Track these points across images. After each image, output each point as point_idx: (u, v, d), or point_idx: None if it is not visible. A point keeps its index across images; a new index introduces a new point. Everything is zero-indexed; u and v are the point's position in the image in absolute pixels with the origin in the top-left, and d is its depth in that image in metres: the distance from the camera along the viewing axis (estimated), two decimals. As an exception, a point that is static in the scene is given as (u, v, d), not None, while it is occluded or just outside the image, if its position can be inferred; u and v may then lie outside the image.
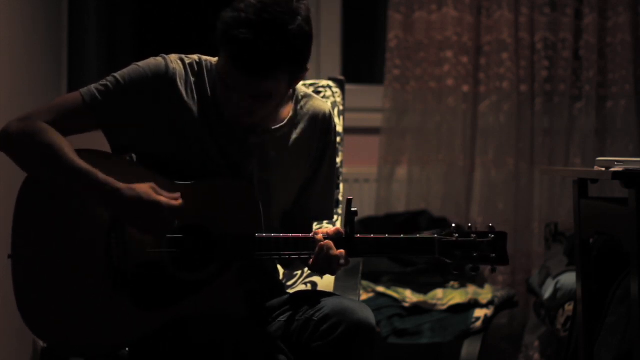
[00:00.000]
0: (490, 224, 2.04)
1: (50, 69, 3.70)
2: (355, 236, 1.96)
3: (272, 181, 2.05)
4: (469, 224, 2.04)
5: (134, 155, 2.08)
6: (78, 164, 1.87)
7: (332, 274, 1.97)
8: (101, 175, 1.87)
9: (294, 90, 2.09)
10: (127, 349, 1.95)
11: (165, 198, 1.88)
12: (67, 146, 1.89)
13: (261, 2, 1.84)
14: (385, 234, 1.98)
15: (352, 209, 1.94)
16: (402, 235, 1.98)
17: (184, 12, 4.20)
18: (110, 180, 1.87)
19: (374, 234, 2.00)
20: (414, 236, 1.99)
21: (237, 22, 1.83)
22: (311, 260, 1.94)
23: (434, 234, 1.99)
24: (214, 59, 2.03)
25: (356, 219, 1.97)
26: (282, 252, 1.95)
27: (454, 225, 2.02)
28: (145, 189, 1.87)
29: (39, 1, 3.54)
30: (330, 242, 1.93)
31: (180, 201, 1.89)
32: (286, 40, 1.84)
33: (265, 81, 1.87)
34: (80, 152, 1.91)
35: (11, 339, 3.07)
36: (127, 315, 1.91)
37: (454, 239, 1.98)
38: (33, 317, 1.92)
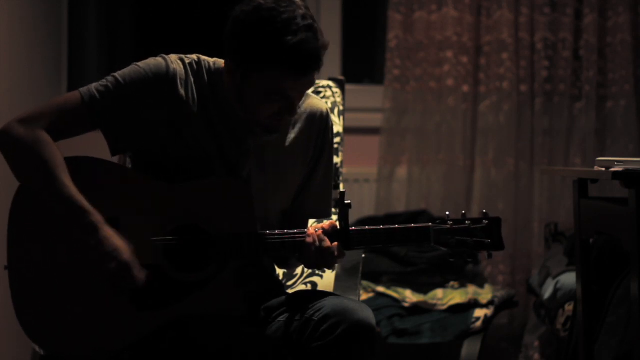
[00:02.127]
0: (484, 210, 2.03)
1: (50, 69, 3.70)
2: (350, 229, 1.96)
3: (270, 181, 2.05)
4: (463, 212, 2.04)
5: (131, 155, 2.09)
6: (67, 188, 1.87)
7: (328, 268, 1.97)
8: (88, 208, 1.86)
9: None
10: (127, 353, 1.94)
11: (139, 270, 1.86)
12: (61, 165, 1.89)
13: (278, 4, 1.86)
14: (380, 225, 1.98)
15: (346, 202, 1.94)
16: (396, 226, 1.98)
17: (183, 12, 4.20)
18: (96, 218, 1.85)
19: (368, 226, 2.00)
20: (409, 226, 1.98)
21: (288, 30, 1.84)
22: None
23: (429, 224, 1.98)
24: (212, 59, 2.03)
25: (356, 219, 1.96)
26: (276, 249, 1.94)
27: (447, 213, 2.02)
28: (125, 246, 1.86)
29: (39, 1, 3.54)
30: (320, 234, 1.92)
31: (143, 280, 1.87)
32: (318, 26, 1.89)
33: (315, 72, 1.91)
34: (76, 160, 1.92)
35: (11, 344, 3.07)
36: (125, 318, 1.91)
37: (448, 226, 1.98)
38: (32, 325, 1.91)
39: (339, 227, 1.95)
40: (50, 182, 1.87)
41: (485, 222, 1.98)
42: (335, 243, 1.93)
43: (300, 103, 2.08)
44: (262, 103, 1.92)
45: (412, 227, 1.98)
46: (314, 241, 1.92)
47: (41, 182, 1.89)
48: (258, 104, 1.92)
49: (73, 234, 1.88)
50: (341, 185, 2.63)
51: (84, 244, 1.86)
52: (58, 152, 1.91)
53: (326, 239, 1.92)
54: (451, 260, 1.98)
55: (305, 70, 1.88)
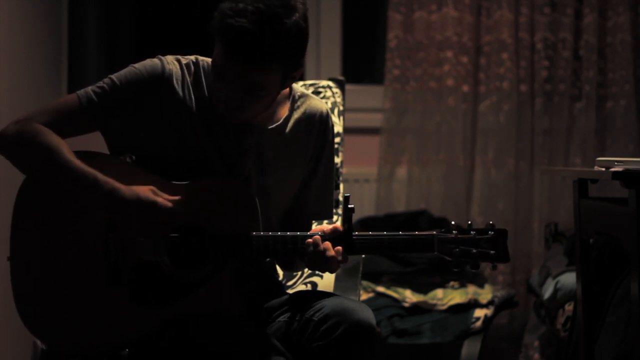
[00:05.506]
0: (491, 222, 2.01)
1: (50, 69, 3.70)
2: (354, 234, 1.95)
3: (269, 181, 2.05)
4: (469, 221, 2.02)
5: (133, 157, 2.09)
6: (76, 164, 1.88)
7: (330, 272, 1.96)
8: (100, 176, 1.87)
9: (291, 89, 2.09)
10: (127, 349, 1.95)
11: (165, 200, 1.88)
12: (64, 147, 1.90)
13: None
14: (384, 232, 1.97)
15: (350, 206, 1.93)
16: (400, 233, 1.97)
17: (183, 12, 4.20)
18: (110, 180, 1.87)
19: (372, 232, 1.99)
20: (413, 233, 1.97)
21: (234, 11, 1.84)
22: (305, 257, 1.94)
23: (433, 232, 1.97)
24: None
25: (356, 219, 1.96)
26: (278, 251, 1.94)
27: (453, 222, 2.00)
28: (145, 190, 1.88)
29: (39, 1, 3.55)
30: (319, 238, 1.92)
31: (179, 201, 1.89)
32: (280, 33, 1.85)
33: (257, 72, 1.87)
34: (77, 154, 1.91)
35: (11, 340, 3.07)
36: (126, 314, 1.91)
37: (453, 236, 1.96)
38: (33, 319, 1.92)
39: (342, 231, 1.95)
40: (59, 165, 1.88)
41: (490, 233, 1.97)
42: (338, 247, 1.93)
43: (300, 103, 2.09)
44: (213, 81, 1.93)
45: (417, 235, 1.96)
46: (313, 245, 1.92)
47: (49, 168, 1.89)
48: (212, 82, 1.94)
49: (79, 224, 1.89)
50: (341, 186, 2.62)
51: (108, 210, 1.87)
52: (59, 137, 1.92)
53: (328, 242, 1.92)
54: (455, 270, 1.97)
55: (238, 58, 1.85)
